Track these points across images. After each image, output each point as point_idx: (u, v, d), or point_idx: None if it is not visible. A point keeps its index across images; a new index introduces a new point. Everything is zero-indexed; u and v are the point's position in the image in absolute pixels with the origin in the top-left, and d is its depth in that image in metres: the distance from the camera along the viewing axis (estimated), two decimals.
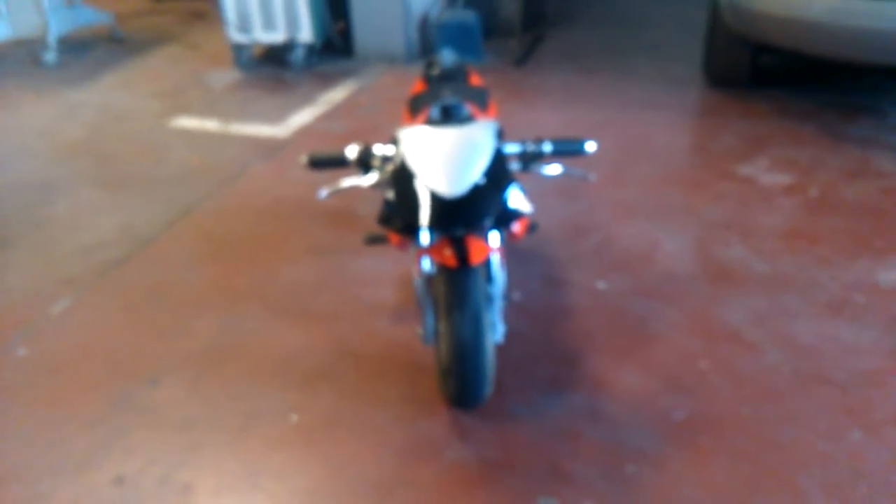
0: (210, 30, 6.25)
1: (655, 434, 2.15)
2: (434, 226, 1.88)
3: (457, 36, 5.14)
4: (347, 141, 4.07)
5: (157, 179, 3.78)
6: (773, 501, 1.95)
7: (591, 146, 2.16)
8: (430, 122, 2.07)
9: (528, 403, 2.27)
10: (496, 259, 2.09)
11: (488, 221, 1.90)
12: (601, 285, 2.81)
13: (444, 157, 1.93)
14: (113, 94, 4.97)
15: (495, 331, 2.18)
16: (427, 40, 5.35)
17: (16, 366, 2.54)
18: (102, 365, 2.52)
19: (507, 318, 2.62)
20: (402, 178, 1.96)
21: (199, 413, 2.31)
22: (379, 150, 2.14)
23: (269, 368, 2.47)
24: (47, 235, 3.32)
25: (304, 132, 4.23)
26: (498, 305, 2.16)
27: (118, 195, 3.64)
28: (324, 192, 2.15)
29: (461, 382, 2.07)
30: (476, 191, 1.90)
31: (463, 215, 1.89)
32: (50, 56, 5.58)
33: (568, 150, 2.15)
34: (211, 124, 4.42)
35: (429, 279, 2.14)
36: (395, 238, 2.10)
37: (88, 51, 5.84)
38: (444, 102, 2.10)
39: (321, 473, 2.08)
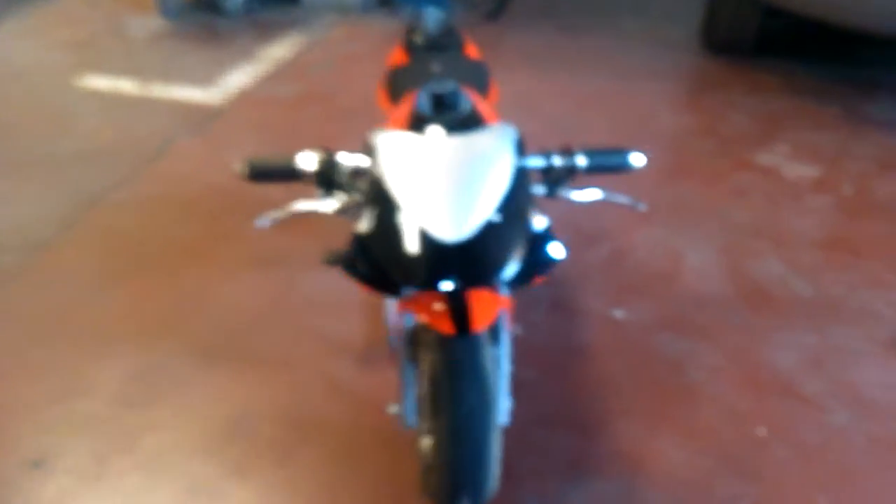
0: None
1: None
2: (426, 281, 1.30)
3: None
4: (298, 109, 3.39)
5: (59, 158, 3.06)
6: None
7: (637, 159, 1.58)
8: (417, 118, 1.47)
9: (545, 495, 1.73)
10: (504, 314, 1.52)
11: (506, 274, 1.32)
12: (618, 314, 2.28)
13: (441, 181, 1.33)
14: (11, 44, 4.14)
15: (500, 410, 1.62)
16: None
17: None
18: None
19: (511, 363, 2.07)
20: (378, 209, 1.35)
21: None
22: (345, 160, 1.52)
23: (199, 445, 1.86)
24: None
25: (244, 97, 3.53)
26: (505, 375, 1.60)
27: (9, 181, 2.92)
28: (265, 220, 1.53)
29: (458, 486, 1.51)
30: (489, 231, 1.31)
31: (469, 267, 1.30)
32: None
33: (608, 164, 1.56)
34: (128, 85, 3.68)
35: (411, 338, 1.56)
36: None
37: None
38: (435, 88, 1.49)
39: None
